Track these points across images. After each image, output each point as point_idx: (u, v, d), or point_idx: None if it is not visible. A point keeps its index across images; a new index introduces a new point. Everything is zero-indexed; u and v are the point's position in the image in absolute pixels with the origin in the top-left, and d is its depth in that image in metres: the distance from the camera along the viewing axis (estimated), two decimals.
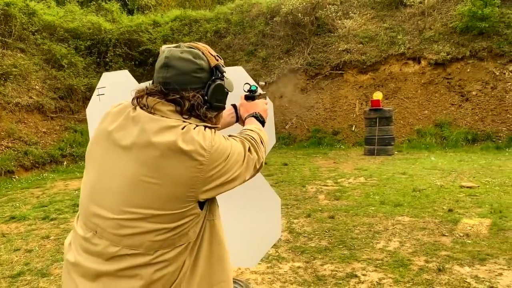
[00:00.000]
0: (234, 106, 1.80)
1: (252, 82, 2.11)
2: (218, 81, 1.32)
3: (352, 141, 13.83)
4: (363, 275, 3.73)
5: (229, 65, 2.66)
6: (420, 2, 14.84)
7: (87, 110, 2.84)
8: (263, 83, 1.92)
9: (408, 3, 15.13)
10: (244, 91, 1.75)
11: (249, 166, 1.35)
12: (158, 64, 1.29)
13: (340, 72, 15.16)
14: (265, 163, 2.22)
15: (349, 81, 15.09)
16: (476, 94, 13.05)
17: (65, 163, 11.98)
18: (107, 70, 15.79)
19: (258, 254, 2.64)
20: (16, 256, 4.68)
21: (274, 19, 17.04)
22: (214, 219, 1.36)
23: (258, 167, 1.40)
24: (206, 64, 1.30)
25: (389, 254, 4.19)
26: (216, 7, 20.02)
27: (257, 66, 16.01)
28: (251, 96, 1.72)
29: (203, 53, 1.32)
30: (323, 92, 15.32)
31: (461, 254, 4.07)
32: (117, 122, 1.25)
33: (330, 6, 15.91)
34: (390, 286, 3.49)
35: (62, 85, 13.96)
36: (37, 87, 13.26)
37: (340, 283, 3.59)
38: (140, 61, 17.05)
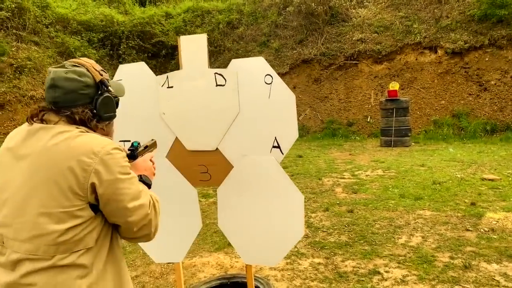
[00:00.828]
0: None
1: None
2: (105, 94, 1.40)
3: (368, 132, 13.63)
4: (386, 271, 3.62)
5: (241, 56, 2.57)
6: None
7: None
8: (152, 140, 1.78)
9: None
10: (128, 149, 1.60)
11: (139, 214, 1.33)
12: (46, 84, 1.36)
13: (354, 62, 14.92)
14: None
15: (364, 71, 14.85)
16: (495, 84, 12.73)
17: None
18: (120, 63, 15.74)
19: (280, 253, 2.55)
20: None
21: (287, 9, 16.81)
22: (114, 234, 1.38)
23: (146, 228, 1.37)
24: (91, 81, 1.37)
25: (412, 249, 4.07)
26: None
27: (269, 57, 15.83)
28: (131, 155, 1.56)
29: (88, 70, 1.38)
30: (337, 83, 15.11)
31: (487, 250, 3.94)
32: (15, 139, 1.34)
33: None
34: (415, 283, 3.37)
35: None
36: None
37: (362, 280, 3.48)
38: (153, 53, 17.01)
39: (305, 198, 5.89)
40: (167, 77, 2.57)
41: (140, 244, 2.77)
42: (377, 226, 4.78)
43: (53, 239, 1.21)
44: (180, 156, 2.61)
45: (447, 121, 12.58)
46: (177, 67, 2.62)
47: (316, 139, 13.56)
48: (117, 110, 1.49)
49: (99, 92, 1.39)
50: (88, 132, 1.34)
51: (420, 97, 13.63)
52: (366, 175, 7.52)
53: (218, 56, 16.49)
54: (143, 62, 2.70)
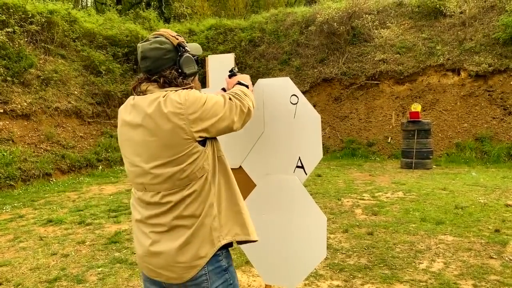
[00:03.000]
0: (223, 89, 2.14)
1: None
2: (185, 55, 1.68)
3: (388, 153, 13.49)
4: None
5: (262, 74, 2.59)
6: (461, 12, 14.41)
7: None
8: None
9: (448, 13, 14.72)
10: (229, 72, 2.14)
11: (232, 110, 1.68)
12: (138, 58, 1.68)
13: (376, 82, 14.88)
14: None
15: (385, 91, 14.78)
16: None
17: (100, 167, 12.19)
18: None
19: (301, 274, 2.52)
20: (53, 261, 4.72)
21: (309, 28, 16.93)
22: (221, 155, 1.74)
23: (245, 111, 1.73)
24: (171, 46, 1.66)
25: (433, 275, 3.97)
26: (251, 16, 20.10)
27: (290, 75, 15.89)
28: (232, 74, 2.11)
29: (166, 38, 1.66)
30: (357, 102, 15.06)
31: None
32: (127, 112, 1.67)
33: (367, 15, 15.67)
34: None
35: (99, 90, 14.29)
36: (75, 92, 13.60)
37: None
38: None
39: None
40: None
41: None
42: (398, 250, 4.70)
43: (181, 175, 1.57)
44: None
45: (470, 144, 12.37)
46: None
47: (336, 158, 13.48)
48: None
49: (179, 53, 1.67)
50: (172, 91, 1.61)
51: (442, 120, 13.46)
52: (387, 197, 7.42)
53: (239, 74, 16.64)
54: (232, 54, 2.74)
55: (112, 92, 14.47)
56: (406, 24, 15.89)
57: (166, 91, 1.60)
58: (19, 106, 11.38)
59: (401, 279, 3.92)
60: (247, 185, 2.57)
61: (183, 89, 1.64)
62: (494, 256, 4.41)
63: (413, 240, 5.01)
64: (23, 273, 4.40)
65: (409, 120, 11.32)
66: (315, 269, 4.17)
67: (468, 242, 4.88)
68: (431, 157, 11.13)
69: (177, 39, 1.69)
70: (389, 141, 13.79)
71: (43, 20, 13.39)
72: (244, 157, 2.55)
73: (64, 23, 14.56)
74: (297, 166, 2.47)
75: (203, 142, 1.61)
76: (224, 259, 1.69)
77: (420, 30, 15.36)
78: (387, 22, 15.96)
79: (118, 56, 16.00)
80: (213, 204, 1.63)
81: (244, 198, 2.57)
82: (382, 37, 15.40)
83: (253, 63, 17.14)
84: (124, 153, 1.71)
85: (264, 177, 2.52)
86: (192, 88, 1.68)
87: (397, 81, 14.62)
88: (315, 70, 15.98)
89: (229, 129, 1.69)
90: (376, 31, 15.72)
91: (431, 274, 4.01)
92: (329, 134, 14.89)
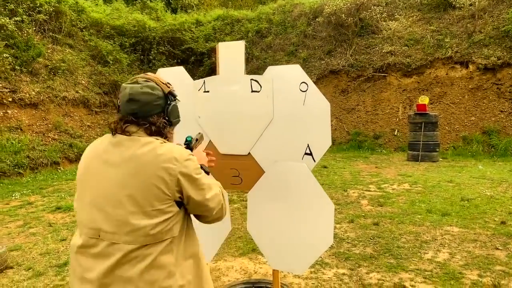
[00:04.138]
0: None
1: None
2: (173, 103, 1.64)
3: (394, 145, 13.46)
4: (412, 286, 3.57)
5: (269, 66, 2.59)
6: (471, 5, 14.27)
7: None
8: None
9: (457, 6, 14.58)
10: (183, 144, 1.88)
11: (215, 202, 1.61)
12: (123, 98, 1.56)
13: (383, 74, 14.80)
14: None
15: (393, 84, 14.71)
16: None
17: None
18: (150, 68, 16.09)
19: (308, 261, 2.55)
20: (62, 246, 4.80)
21: (317, 19, 16.85)
22: (191, 226, 1.65)
23: (220, 212, 1.67)
24: (161, 93, 1.60)
25: (438, 265, 4.00)
26: (258, 7, 20.02)
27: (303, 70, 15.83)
28: (188, 148, 1.84)
29: (157, 84, 1.61)
30: (364, 95, 15.01)
31: None
32: (103, 148, 1.56)
33: (375, 7, 15.57)
34: None
35: (106, 80, 14.35)
36: (83, 82, 13.67)
37: None
38: (182, 59, 17.28)
39: None
40: (204, 82, 2.63)
41: None
42: (403, 240, 4.72)
43: (147, 231, 1.44)
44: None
45: (477, 137, 12.31)
46: (205, 74, 2.69)
47: (342, 150, 13.48)
48: None
49: (168, 102, 1.62)
50: (165, 142, 1.56)
51: (449, 112, 13.40)
52: (393, 189, 7.43)
53: (246, 65, 16.56)
54: (181, 67, 2.77)
55: (119, 82, 14.50)
56: (415, 16, 15.76)
57: (156, 139, 1.54)
58: (27, 95, 11.45)
59: (406, 268, 3.95)
60: (255, 172, 2.60)
61: (164, 140, 1.58)
62: (500, 247, 4.43)
63: (418, 231, 5.03)
64: (33, 257, 4.48)
65: (416, 112, 11.28)
66: (321, 257, 4.21)
67: (474, 234, 4.89)
68: (437, 149, 11.10)
69: (168, 87, 1.64)
70: (395, 133, 13.76)
71: (51, 9, 13.43)
72: (253, 144, 2.58)
73: (72, 13, 14.59)
74: (306, 153, 2.49)
75: (179, 204, 1.53)
76: None
77: (429, 22, 15.23)
78: (395, 14, 15.84)
79: (125, 46, 16.03)
80: (174, 274, 1.49)
81: (253, 185, 2.61)
82: (390, 29, 15.30)
83: (260, 54, 17.10)
84: (84, 191, 1.55)
85: (272, 164, 2.54)
86: (171, 139, 1.67)
87: (405, 73, 14.54)
88: (322, 62, 15.93)
89: (204, 215, 1.62)
90: (384, 23, 15.62)
91: (436, 264, 4.03)
92: (336, 126, 14.87)
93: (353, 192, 7.22)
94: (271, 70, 2.50)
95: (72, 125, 12.45)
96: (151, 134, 1.56)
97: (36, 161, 10.26)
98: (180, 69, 2.74)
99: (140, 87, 1.57)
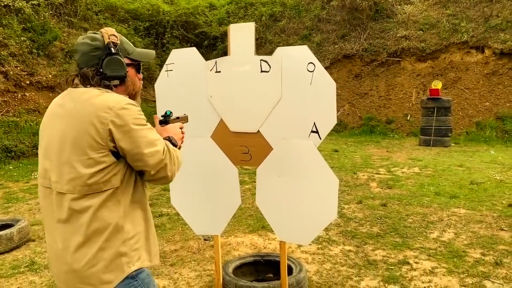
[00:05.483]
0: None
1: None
2: (110, 56, 1.56)
3: (407, 130, 13.44)
4: (416, 262, 3.70)
5: None
6: None
7: (155, 85, 2.98)
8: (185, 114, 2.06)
9: None
10: (161, 116, 1.87)
11: (155, 158, 1.52)
12: None
13: (397, 59, 14.70)
14: None
15: (407, 68, 14.61)
16: None
17: None
18: (164, 51, 16.22)
19: (313, 232, 2.69)
20: None
21: (331, 3, 16.71)
22: (135, 173, 1.60)
23: (162, 171, 1.56)
24: (101, 44, 1.56)
25: (443, 244, 4.11)
26: None
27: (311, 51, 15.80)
28: (164, 121, 1.84)
29: (102, 36, 1.58)
30: (378, 79, 14.95)
31: None
32: (57, 101, 1.60)
33: None
34: (444, 275, 3.44)
35: None
36: None
37: (391, 268, 3.58)
38: (195, 43, 17.34)
39: (339, 191, 5.98)
40: (216, 62, 2.75)
41: (183, 216, 2.98)
42: (410, 221, 4.83)
43: (84, 181, 1.45)
44: (224, 137, 2.79)
45: (491, 123, 12.23)
46: (218, 57, 2.80)
47: (354, 135, 13.52)
48: (128, 71, 1.65)
49: (105, 53, 1.56)
50: (107, 92, 1.54)
51: (463, 98, 13.29)
52: (402, 172, 7.51)
53: (259, 49, 16.61)
54: (194, 48, 2.89)
55: None
56: (430, 0, 15.54)
57: (99, 89, 1.54)
58: (44, 78, 11.69)
59: (412, 246, 4.07)
60: (264, 149, 2.73)
61: (107, 90, 1.56)
62: (505, 228, 4.51)
63: (425, 212, 5.13)
64: None
65: (428, 97, 11.24)
66: (328, 235, 4.36)
67: (480, 215, 4.98)
68: (450, 134, 11.08)
69: (109, 38, 1.58)
70: (408, 118, 13.72)
71: None
72: (262, 122, 2.70)
73: None
74: (312, 131, 2.60)
75: (116, 155, 1.49)
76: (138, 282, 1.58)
77: (445, 6, 15.01)
78: None
79: (139, 30, 16.16)
80: (122, 227, 1.52)
81: (262, 161, 2.74)
82: (405, 13, 15.14)
83: (274, 38, 17.08)
84: (40, 144, 1.62)
85: (280, 141, 2.66)
86: (111, 91, 1.59)
87: (419, 58, 14.42)
88: (336, 46, 15.86)
89: (144, 171, 1.56)
90: (399, 6, 15.45)
91: (441, 243, 4.14)
92: (348, 111, 14.88)
93: (363, 175, 7.32)
94: (280, 51, 2.60)
95: None
96: (83, 83, 1.56)
97: None
98: (193, 50, 2.86)
99: (82, 38, 1.59)
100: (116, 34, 1.63)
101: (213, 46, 17.32)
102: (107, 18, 15.43)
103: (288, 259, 3.13)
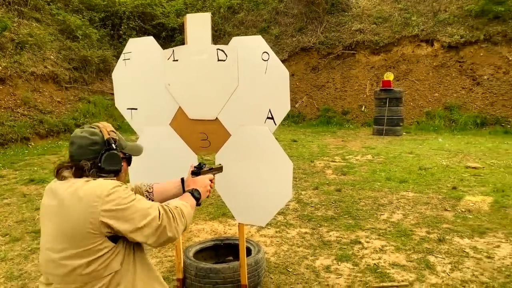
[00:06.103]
0: (182, 179, 2.08)
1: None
2: (109, 152, 1.62)
3: (361, 121, 13.93)
4: (367, 242, 3.94)
5: None
6: None
7: (113, 74, 3.01)
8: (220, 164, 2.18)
9: None
10: (194, 167, 1.97)
11: (152, 226, 1.54)
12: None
13: (352, 52, 15.15)
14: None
15: (361, 61, 15.09)
16: (487, 79, 13.03)
17: None
18: (120, 43, 15.91)
19: (269, 213, 2.83)
20: (38, 214, 4.94)
21: None
22: (140, 250, 1.66)
23: (163, 235, 1.57)
24: (100, 139, 1.62)
25: (392, 224, 4.39)
26: None
27: (269, 44, 15.83)
28: (196, 172, 1.93)
29: (100, 131, 1.64)
30: (334, 72, 15.36)
31: (461, 227, 4.26)
32: (47, 195, 1.61)
33: None
34: (392, 252, 3.69)
35: (76, 56, 14.13)
36: (52, 57, 13.44)
37: (344, 248, 3.80)
38: (153, 34, 16.96)
39: (296, 178, 6.23)
40: (173, 51, 2.83)
41: None
42: (362, 204, 5.10)
43: (80, 272, 1.48)
44: (183, 124, 2.88)
45: (439, 113, 12.89)
46: None
47: (311, 126, 13.85)
48: (125, 165, 1.75)
49: (104, 149, 1.62)
50: (93, 179, 1.56)
51: (414, 89, 13.91)
52: (356, 160, 7.83)
53: (218, 41, 16.62)
54: (152, 37, 2.95)
55: (89, 58, 14.33)
56: None
57: (86, 179, 1.55)
58: None
59: (363, 227, 4.32)
60: (222, 135, 2.84)
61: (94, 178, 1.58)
62: (449, 209, 4.86)
63: (377, 196, 5.42)
64: (9, 225, 4.63)
65: (381, 88, 11.70)
66: (286, 219, 4.55)
67: (427, 197, 5.32)
68: (401, 124, 11.60)
69: (109, 134, 1.65)
70: (363, 109, 14.21)
71: None
72: (220, 109, 2.81)
73: None
74: (268, 118, 2.73)
75: (113, 238, 1.52)
76: None
77: (397, 1, 15.60)
78: None
79: (94, 21, 15.76)
80: None
81: (220, 147, 2.86)
82: (360, 7, 15.62)
83: (232, 30, 17.13)
84: (41, 234, 1.63)
85: (238, 127, 2.78)
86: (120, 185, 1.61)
87: (373, 51, 14.93)
88: (294, 39, 16.13)
89: (144, 241, 1.57)
90: (354, 0, 15.88)
91: (390, 223, 4.42)
92: (306, 103, 15.21)
93: (319, 163, 7.58)
94: (235, 41, 2.72)
95: (42, 100, 12.30)
96: (75, 175, 1.57)
97: (6, 136, 10.16)
98: (150, 39, 2.92)
99: (80, 131, 1.63)
100: (114, 129, 1.70)
101: (171, 38, 17.17)
102: (60, 8, 14.94)
103: (246, 241, 3.27)
